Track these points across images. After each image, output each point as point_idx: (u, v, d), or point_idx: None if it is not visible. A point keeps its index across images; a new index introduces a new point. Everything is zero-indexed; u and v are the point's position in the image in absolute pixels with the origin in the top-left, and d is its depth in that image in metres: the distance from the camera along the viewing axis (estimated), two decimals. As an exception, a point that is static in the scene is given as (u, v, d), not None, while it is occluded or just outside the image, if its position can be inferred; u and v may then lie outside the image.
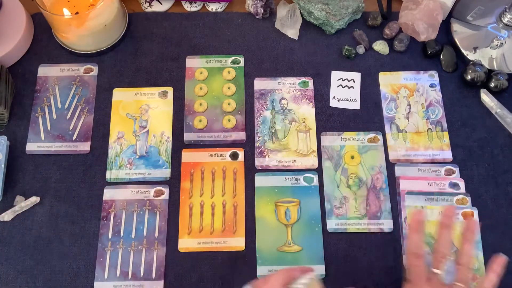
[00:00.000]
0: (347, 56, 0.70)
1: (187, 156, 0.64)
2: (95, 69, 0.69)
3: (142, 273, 0.58)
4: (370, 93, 0.68)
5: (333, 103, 0.68)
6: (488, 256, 0.59)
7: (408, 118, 0.67)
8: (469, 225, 0.52)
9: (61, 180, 0.63)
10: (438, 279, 0.49)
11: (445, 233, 0.51)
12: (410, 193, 0.62)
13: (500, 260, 0.51)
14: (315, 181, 0.63)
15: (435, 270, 0.49)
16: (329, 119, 0.67)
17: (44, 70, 0.69)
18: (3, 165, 0.62)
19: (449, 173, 0.63)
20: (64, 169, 0.64)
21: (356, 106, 0.67)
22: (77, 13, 0.66)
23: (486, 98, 0.67)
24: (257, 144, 0.65)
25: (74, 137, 0.65)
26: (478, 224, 0.54)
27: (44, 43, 0.71)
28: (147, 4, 0.74)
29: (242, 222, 0.61)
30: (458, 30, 0.71)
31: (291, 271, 0.48)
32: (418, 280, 0.49)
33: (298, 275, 0.47)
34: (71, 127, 0.66)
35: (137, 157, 0.64)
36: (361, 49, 0.70)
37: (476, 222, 0.54)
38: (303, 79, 0.69)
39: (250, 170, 0.64)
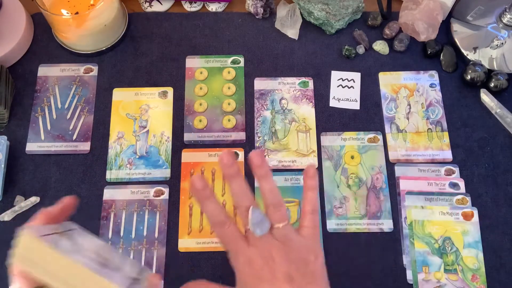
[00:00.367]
0: (347, 56, 0.70)
1: (187, 156, 0.64)
2: (95, 69, 0.69)
3: (142, 273, 0.58)
4: (370, 93, 0.68)
5: (333, 103, 0.68)
6: (488, 256, 0.59)
7: (408, 118, 0.67)
8: (255, 161, 0.44)
9: (61, 180, 0.63)
10: (254, 234, 0.42)
11: (235, 184, 0.44)
12: (410, 193, 0.62)
13: (309, 171, 0.45)
14: (315, 181, 0.63)
15: (246, 227, 0.43)
16: (329, 119, 0.67)
17: (44, 70, 0.69)
18: (3, 165, 0.62)
19: (449, 173, 0.63)
20: (64, 169, 0.64)
21: (356, 106, 0.67)
22: (77, 13, 0.66)
23: (486, 98, 0.67)
24: (257, 144, 0.65)
25: (74, 137, 0.65)
26: (261, 154, 0.45)
27: (44, 43, 0.71)
28: (147, 4, 0.74)
29: (242, 222, 0.61)
30: (458, 30, 0.71)
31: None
32: (234, 245, 0.42)
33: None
34: (71, 127, 0.66)
35: (137, 157, 0.64)
36: (361, 49, 0.70)
37: (258, 153, 0.44)
38: (303, 79, 0.69)
39: (250, 170, 0.63)
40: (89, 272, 0.35)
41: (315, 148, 0.65)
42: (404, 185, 0.62)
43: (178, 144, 0.65)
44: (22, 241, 0.36)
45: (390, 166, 0.64)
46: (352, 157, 0.64)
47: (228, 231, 0.43)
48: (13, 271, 0.37)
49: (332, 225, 0.61)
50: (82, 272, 0.35)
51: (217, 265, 0.59)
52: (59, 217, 0.42)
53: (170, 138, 0.65)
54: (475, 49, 0.70)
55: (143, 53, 0.71)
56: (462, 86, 0.69)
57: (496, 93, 0.67)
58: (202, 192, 0.43)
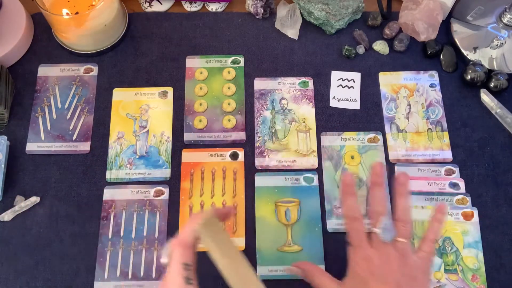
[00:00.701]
0: (347, 56, 0.70)
1: (187, 156, 0.64)
2: (95, 69, 0.69)
3: (142, 273, 0.58)
4: (370, 93, 0.68)
5: (333, 103, 0.68)
6: (488, 256, 0.59)
7: (408, 118, 0.67)
8: (400, 179, 0.52)
9: (61, 180, 0.63)
10: (379, 238, 0.49)
11: (377, 192, 0.51)
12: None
13: (442, 208, 0.52)
14: (315, 181, 0.63)
15: (373, 229, 0.49)
16: (329, 119, 0.67)
17: (44, 70, 0.69)
18: (3, 165, 0.62)
19: (449, 173, 0.63)
20: (64, 169, 0.64)
21: (356, 106, 0.67)
22: (77, 13, 0.66)
23: (486, 98, 0.67)
24: (257, 144, 0.65)
25: (74, 137, 0.65)
26: (408, 176, 0.53)
27: (44, 43, 0.71)
28: (147, 4, 0.74)
29: (242, 222, 0.61)
30: (458, 30, 0.71)
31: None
32: (359, 242, 0.49)
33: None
34: (71, 127, 0.66)
35: (137, 157, 0.64)
36: (361, 49, 0.70)
37: (406, 174, 0.53)
38: (303, 79, 0.69)
39: (250, 170, 0.64)
40: (246, 264, 0.42)
41: (315, 148, 0.65)
42: (404, 185, 0.62)
43: (178, 144, 0.65)
44: (210, 216, 0.42)
45: (390, 166, 0.64)
46: (352, 157, 0.64)
47: (357, 226, 0.49)
48: (176, 239, 0.41)
49: (332, 225, 0.61)
50: (244, 264, 0.42)
51: (217, 265, 0.59)
52: (222, 219, 0.47)
53: (170, 138, 0.65)
54: (475, 49, 0.70)
55: (143, 53, 0.71)
56: (462, 86, 0.69)
57: (496, 93, 0.67)
58: (349, 187, 0.51)
